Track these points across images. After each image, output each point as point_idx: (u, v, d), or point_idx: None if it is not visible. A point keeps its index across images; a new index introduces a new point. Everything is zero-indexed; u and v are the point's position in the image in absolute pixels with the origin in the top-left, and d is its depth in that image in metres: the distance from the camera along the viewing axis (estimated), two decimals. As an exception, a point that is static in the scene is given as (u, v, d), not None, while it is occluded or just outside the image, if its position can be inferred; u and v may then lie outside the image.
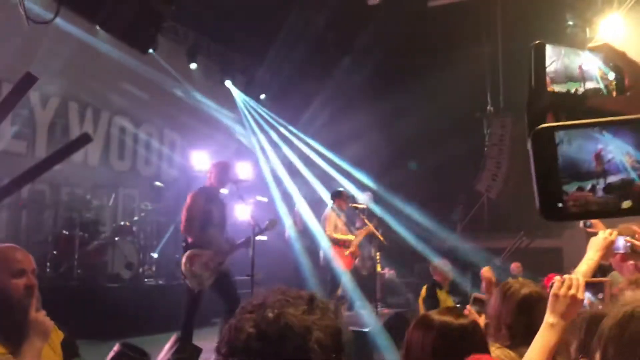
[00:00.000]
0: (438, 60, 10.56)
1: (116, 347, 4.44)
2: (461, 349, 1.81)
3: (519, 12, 9.48)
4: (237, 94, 11.61)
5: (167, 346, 4.61)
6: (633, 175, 0.77)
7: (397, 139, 10.87)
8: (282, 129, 11.90)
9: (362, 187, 9.60)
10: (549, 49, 0.87)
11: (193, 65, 10.61)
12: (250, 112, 11.81)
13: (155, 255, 8.96)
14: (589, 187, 0.78)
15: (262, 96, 12.05)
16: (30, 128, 8.31)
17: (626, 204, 0.77)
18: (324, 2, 9.96)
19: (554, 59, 0.87)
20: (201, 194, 5.82)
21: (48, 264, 7.52)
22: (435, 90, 10.33)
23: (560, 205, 0.78)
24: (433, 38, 10.49)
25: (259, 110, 11.93)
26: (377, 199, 9.47)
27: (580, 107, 0.86)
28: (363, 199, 8.68)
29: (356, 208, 7.96)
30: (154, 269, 8.83)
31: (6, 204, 7.26)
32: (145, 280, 8.48)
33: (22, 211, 7.34)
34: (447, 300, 6.92)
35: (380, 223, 8.66)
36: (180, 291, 6.13)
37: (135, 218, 8.88)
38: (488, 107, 10.42)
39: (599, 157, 0.79)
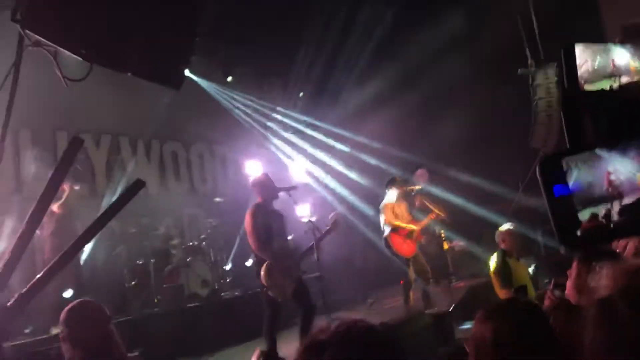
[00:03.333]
0: (471, 23, 10.36)
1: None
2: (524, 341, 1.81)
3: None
4: (275, 99, 11.73)
5: (252, 360, 4.79)
6: None
7: (436, 109, 10.78)
8: (321, 126, 11.96)
9: (414, 167, 9.53)
10: (579, 49, 0.87)
11: (229, 78, 10.81)
12: (290, 115, 11.88)
13: (227, 268, 9.22)
14: (603, 212, 0.79)
15: (301, 94, 12.09)
16: (89, 170, 8.68)
17: None
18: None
19: (585, 58, 0.87)
20: (257, 211, 5.99)
21: (129, 295, 7.86)
22: (474, 52, 10.15)
23: (577, 232, 0.79)
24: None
25: (298, 113, 11.98)
26: (430, 174, 9.39)
27: (617, 102, 0.86)
28: (417, 178, 8.62)
29: (412, 190, 7.93)
30: (228, 281, 9.09)
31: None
32: (222, 294, 8.74)
33: (95, 251, 7.69)
34: (518, 266, 6.82)
35: (439, 199, 8.61)
36: (258, 299, 6.31)
37: (203, 236, 9.16)
38: (529, 61, 10.11)
39: (609, 180, 0.80)
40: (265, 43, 10.46)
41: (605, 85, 0.87)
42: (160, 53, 3.61)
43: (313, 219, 6.36)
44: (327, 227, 5.95)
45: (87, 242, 2.85)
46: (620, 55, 0.88)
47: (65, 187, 7.03)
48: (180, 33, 3.91)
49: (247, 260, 8.72)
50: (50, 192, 2.86)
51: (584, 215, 0.81)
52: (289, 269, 5.84)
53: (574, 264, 2.88)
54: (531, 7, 9.82)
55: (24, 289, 2.60)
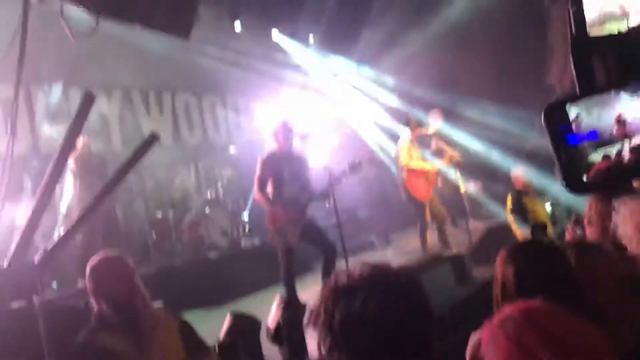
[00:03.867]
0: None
1: (228, 319, 4.75)
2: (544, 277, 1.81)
3: None
4: (286, 42, 11.55)
5: (274, 307, 4.90)
6: None
7: (452, 41, 10.57)
8: (336, 65, 11.85)
9: (428, 106, 9.42)
10: None
11: (237, 24, 10.56)
12: (303, 56, 11.75)
13: (245, 217, 9.30)
14: (614, 152, 0.78)
15: (311, 38, 11.90)
16: (103, 125, 8.69)
17: None
18: None
19: (592, 5, 0.85)
20: (268, 160, 5.99)
21: (151, 248, 7.99)
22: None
23: (585, 177, 0.78)
24: None
25: (312, 52, 11.85)
26: (446, 114, 9.30)
27: (624, 44, 0.84)
28: (432, 119, 8.51)
29: (426, 132, 7.84)
30: (247, 230, 9.19)
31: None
32: (242, 243, 8.86)
33: (116, 206, 7.77)
34: (535, 205, 6.82)
35: (454, 140, 8.54)
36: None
37: (219, 186, 9.21)
38: (545, -3, 9.82)
39: (619, 120, 0.78)
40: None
41: (614, 28, 0.85)
42: (167, 2, 3.56)
43: (327, 165, 6.29)
44: (345, 170, 5.85)
45: (105, 198, 2.89)
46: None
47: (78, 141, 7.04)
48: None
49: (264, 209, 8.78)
50: (67, 149, 2.87)
51: (594, 158, 0.80)
52: (294, 215, 5.83)
53: (589, 202, 2.87)
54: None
55: (50, 245, 2.65)
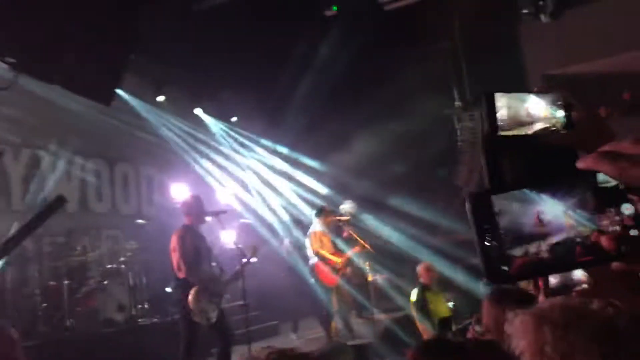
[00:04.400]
0: (402, 63, 10.67)
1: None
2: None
3: (475, 5, 9.62)
4: (209, 120, 11.62)
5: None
6: (574, 233, 0.83)
7: (375, 141, 11.00)
8: (256, 147, 12.00)
9: (347, 195, 9.64)
10: (499, 97, 0.93)
11: (160, 98, 10.52)
12: (223, 137, 11.83)
13: (145, 294, 8.91)
14: (534, 249, 0.83)
15: (234, 119, 12.05)
16: (4, 183, 8.25)
17: (583, 257, 0.83)
18: (282, 15, 10.01)
19: (504, 106, 0.94)
20: (186, 233, 5.87)
21: (39, 318, 7.44)
22: (402, 92, 10.45)
23: (505, 268, 0.83)
24: (391, 41, 10.61)
25: (232, 133, 11.97)
26: (364, 202, 9.53)
27: (531, 146, 0.92)
28: (347, 208, 8.69)
29: (339, 221, 8.00)
30: (146, 306, 8.77)
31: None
32: (139, 320, 8.43)
33: (7, 268, 7.25)
34: (437, 300, 6.98)
35: (367, 231, 8.71)
36: (175, 326, 6.14)
37: (122, 259, 8.82)
38: (456, 103, 10.54)
39: (539, 218, 0.84)
40: (200, 66, 10.33)
41: (521, 131, 0.95)
42: (91, 68, 3.52)
43: (239, 244, 6.28)
44: (248, 256, 5.92)
45: (1, 258, 2.70)
46: (535, 105, 0.96)
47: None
48: (114, 49, 3.83)
49: (166, 285, 8.47)
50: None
51: (515, 252, 0.86)
52: (214, 295, 5.75)
53: (485, 305, 2.92)
54: (460, 50, 10.28)
55: None
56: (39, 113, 7.81)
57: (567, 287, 2.75)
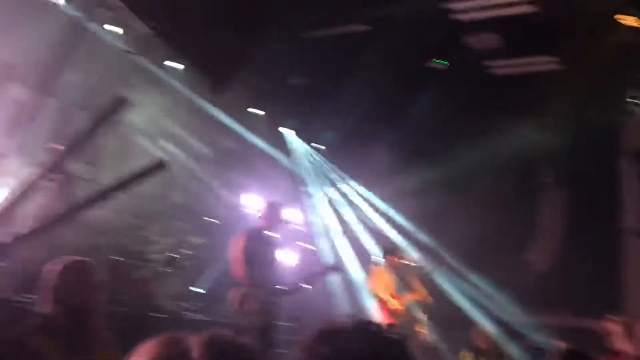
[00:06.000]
0: (498, 127, 10.56)
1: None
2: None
3: (583, 86, 9.43)
4: (296, 141, 11.82)
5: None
6: None
7: (452, 200, 10.81)
8: (338, 179, 12.07)
9: (418, 245, 9.50)
10: None
11: (253, 110, 10.85)
12: (307, 160, 11.97)
13: (201, 290, 9.02)
14: None
15: (322, 147, 12.21)
16: (97, 154, 8.62)
17: None
18: (386, 61, 10.13)
19: None
20: (252, 236, 5.88)
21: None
22: (493, 156, 10.31)
23: None
24: (494, 104, 10.51)
25: (317, 159, 12.11)
26: (432, 259, 9.37)
27: None
28: (417, 258, 8.52)
29: (407, 265, 7.83)
30: (198, 303, 8.87)
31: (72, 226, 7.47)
32: (189, 314, 8.52)
33: (83, 233, 7.55)
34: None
35: (432, 284, 8.50)
36: (220, 329, 6.11)
37: (186, 252, 9.00)
38: (544, 179, 10.27)
39: None
40: (296, 87, 10.50)
41: None
42: (217, 54, 3.68)
43: (300, 261, 6.24)
44: (323, 269, 5.80)
45: (93, 205, 2.82)
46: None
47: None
48: (239, 43, 4.00)
49: (223, 286, 8.55)
50: (77, 146, 2.85)
51: None
52: (265, 302, 5.67)
53: None
54: (561, 128, 10.05)
55: (23, 232, 2.56)
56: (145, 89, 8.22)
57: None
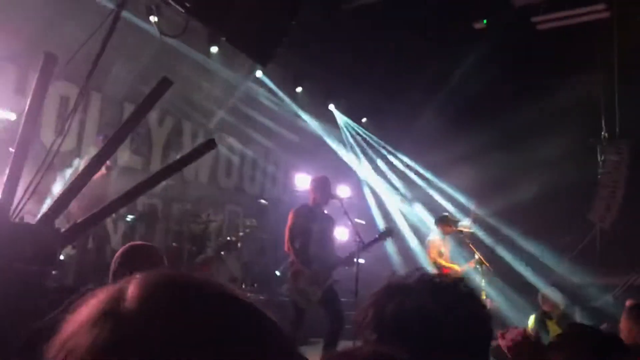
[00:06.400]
0: (549, 84, 10.18)
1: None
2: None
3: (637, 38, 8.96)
4: (340, 118, 11.75)
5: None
6: None
7: (504, 164, 10.51)
8: (383, 151, 11.96)
9: (466, 211, 9.33)
10: None
11: (299, 89, 10.84)
12: (352, 135, 11.92)
13: (257, 271, 9.14)
14: None
15: (364, 119, 12.12)
16: (147, 145, 8.80)
17: None
18: (428, 23, 9.88)
19: None
20: (301, 212, 5.89)
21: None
22: (546, 115, 9.96)
23: None
24: (543, 61, 10.13)
25: (361, 133, 12.02)
26: (481, 224, 9.17)
27: None
28: (468, 224, 8.39)
29: (461, 232, 7.70)
30: (256, 285, 9.00)
31: (122, 215, 7.68)
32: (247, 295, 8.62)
33: (136, 223, 7.73)
34: (556, 332, 6.54)
35: (487, 249, 8.36)
36: (280, 308, 6.13)
37: (240, 234, 9.12)
38: (603, 133, 9.85)
39: None
40: (338, 64, 10.40)
41: None
42: (255, 27, 3.64)
43: (355, 231, 6.15)
44: (377, 236, 5.75)
45: (149, 188, 2.84)
46: None
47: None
48: (276, 15, 3.95)
49: (278, 267, 8.66)
50: (126, 130, 2.86)
51: None
52: (317, 276, 5.65)
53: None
54: (616, 79, 9.61)
55: (80, 219, 2.59)
56: (189, 85, 8.30)
57: None
